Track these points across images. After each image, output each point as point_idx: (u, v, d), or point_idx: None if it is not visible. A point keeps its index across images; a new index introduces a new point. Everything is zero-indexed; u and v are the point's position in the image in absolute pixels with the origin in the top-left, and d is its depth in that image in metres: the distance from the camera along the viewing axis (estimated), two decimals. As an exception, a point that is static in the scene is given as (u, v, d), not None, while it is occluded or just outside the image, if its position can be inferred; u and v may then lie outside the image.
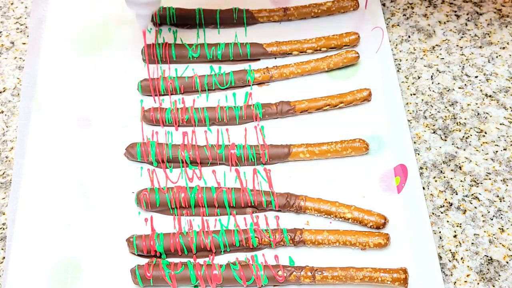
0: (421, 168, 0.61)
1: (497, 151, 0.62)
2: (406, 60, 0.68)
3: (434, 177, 0.61)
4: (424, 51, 0.69)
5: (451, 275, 0.55)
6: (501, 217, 0.58)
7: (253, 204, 0.58)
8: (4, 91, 0.67)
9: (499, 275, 0.55)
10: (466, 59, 0.68)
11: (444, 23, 0.70)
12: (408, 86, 0.66)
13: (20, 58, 0.69)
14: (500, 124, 0.64)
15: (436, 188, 0.60)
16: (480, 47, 0.69)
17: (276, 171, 0.61)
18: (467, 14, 0.71)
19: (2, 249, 0.57)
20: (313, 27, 0.70)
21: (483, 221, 0.58)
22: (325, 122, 0.64)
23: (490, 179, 0.60)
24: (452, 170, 0.61)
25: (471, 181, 0.60)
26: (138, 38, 0.69)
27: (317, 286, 0.55)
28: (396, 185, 0.60)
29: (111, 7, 0.71)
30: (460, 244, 0.57)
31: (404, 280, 0.54)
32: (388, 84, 0.65)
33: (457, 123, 0.64)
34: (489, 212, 0.59)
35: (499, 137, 0.63)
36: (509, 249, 0.57)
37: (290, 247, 0.57)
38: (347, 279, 0.54)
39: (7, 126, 0.65)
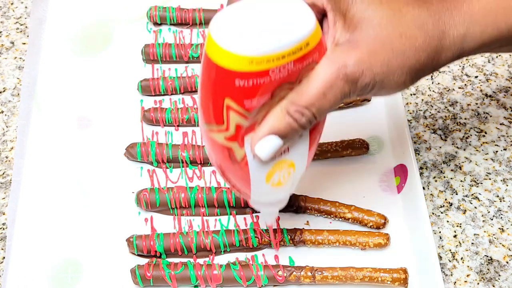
0: (421, 168, 0.61)
1: (497, 151, 0.62)
2: (406, 60, 0.68)
3: (434, 177, 0.61)
4: (424, 51, 0.69)
5: (451, 275, 0.55)
6: (501, 217, 0.58)
7: (253, 204, 0.58)
8: (4, 91, 0.67)
9: (499, 275, 0.55)
10: (466, 59, 0.68)
11: (444, 23, 0.70)
12: (408, 86, 0.66)
13: (20, 58, 0.69)
14: (500, 124, 0.64)
15: (436, 188, 0.60)
16: (480, 47, 0.69)
17: (276, 171, 0.61)
18: (467, 14, 0.71)
19: (2, 249, 0.57)
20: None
21: (483, 221, 0.58)
22: (325, 122, 0.64)
23: (490, 179, 0.60)
24: (452, 170, 0.61)
25: (471, 181, 0.60)
26: (138, 38, 0.69)
27: (317, 286, 0.55)
28: (396, 185, 0.60)
29: (111, 7, 0.71)
30: (460, 244, 0.57)
31: (404, 280, 0.54)
32: (388, 84, 0.65)
33: (457, 123, 0.64)
34: (489, 212, 0.59)
35: (499, 137, 0.63)
36: (509, 249, 0.57)
37: (290, 247, 0.57)
38: (347, 279, 0.54)
39: (7, 126, 0.65)
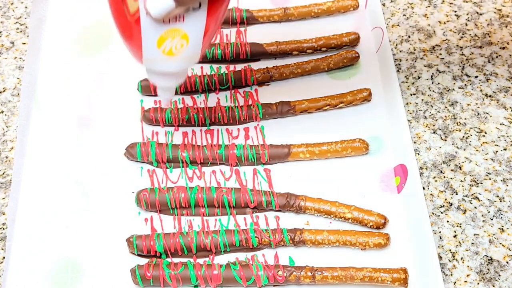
0: (421, 168, 0.61)
1: (497, 151, 0.62)
2: (406, 60, 0.68)
3: (434, 177, 0.61)
4: (424, 51, 0.69)
5: (451, 275, 0.56)
6: (501, 217, 0.58)
7: (253, 204, 0.58)
8: (4, 91, 0.67)
9: (499, 275, 0.55)
10: (466, 59, 0.68)
11: (444, 23, 0.70)
12: (408, 86, 0.66)
13: (20, 58, 0.69)
14: (500, 124, 0.64)
15: (436, 188, 0.60)
16: (480, 47, 0.69)
17: (276, 171, 0.61)
18: (467, 14, 0.71)
19: (2, 249, 0.57)
20: (313, 27, 0.70)
21: (483, 221, 0.58)
22: (325, 122, 0.64)
23: (490, 179, 0.60)
24: (452, 170, 0.61)
25: (471, 181, 0.60)
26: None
27: (317, 286, 0.55)
28: (396, 185, 0.60)
29: (111, 7, 0.71)
30: (460, 244, 0.57)
31: (404, 280, 0.54)
32: (388, 84, 0.65)
33: (457, 123, 0.64)
34: (489, 212, 0.59)
35: (499, 137, 0.63)
36: (509, 249, 0.57)
37: (290, 247, 0.57)
38: (347, 279, 0.54)
39: (7, 126, 0.65)
